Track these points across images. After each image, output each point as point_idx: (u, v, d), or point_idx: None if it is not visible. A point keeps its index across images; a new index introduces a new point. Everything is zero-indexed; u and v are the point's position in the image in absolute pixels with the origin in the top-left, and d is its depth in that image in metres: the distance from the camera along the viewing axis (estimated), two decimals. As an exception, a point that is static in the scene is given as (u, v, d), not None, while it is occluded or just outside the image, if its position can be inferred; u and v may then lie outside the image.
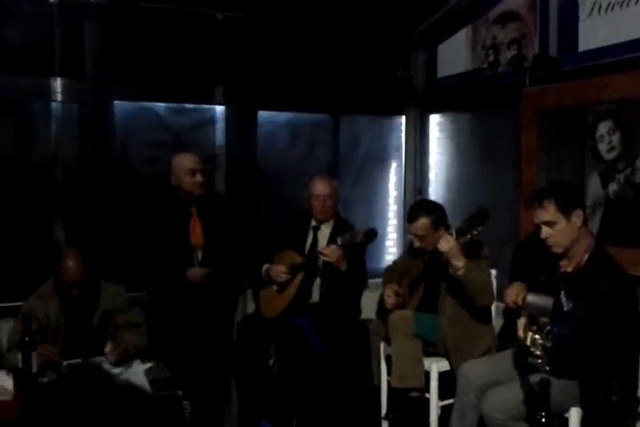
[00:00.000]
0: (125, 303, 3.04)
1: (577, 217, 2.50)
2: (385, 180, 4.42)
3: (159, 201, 3.42)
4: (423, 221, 3.04)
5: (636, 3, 2.88)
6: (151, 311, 3.19)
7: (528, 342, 2.27)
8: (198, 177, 3.29)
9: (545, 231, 2.52)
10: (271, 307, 3.42)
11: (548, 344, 2.21)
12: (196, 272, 3.27)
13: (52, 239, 3.54)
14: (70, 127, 3.56)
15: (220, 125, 3.86)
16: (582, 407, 2.46)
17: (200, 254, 3.35)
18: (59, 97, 3.52)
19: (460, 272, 2.82)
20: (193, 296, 3.26)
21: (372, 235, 3.26)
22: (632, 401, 2.57)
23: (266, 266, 3.45)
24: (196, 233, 3.33)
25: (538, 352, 2.23)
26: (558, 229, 2.50)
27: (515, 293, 2.70)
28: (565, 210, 2.49)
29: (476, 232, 2.74)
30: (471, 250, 2.96)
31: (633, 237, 2.87)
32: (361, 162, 4.32)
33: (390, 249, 4.41)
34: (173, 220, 3.32)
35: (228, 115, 3.84)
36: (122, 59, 3.59)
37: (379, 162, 4.39)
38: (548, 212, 2.50)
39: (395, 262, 3.53)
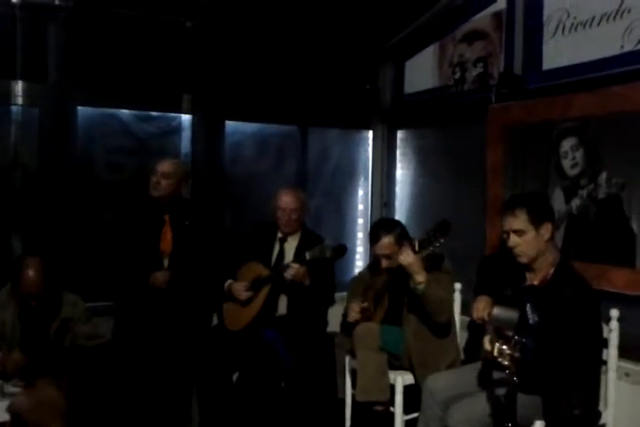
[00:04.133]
0: (84, 313, 2.95)
1: (546, 230, 2.53)
2: (352, 193, 4.44)
3: (134, 206, 3.41)
4: (386, 240, 3.04)
5: (599, 24, 2.97)
6: (117, 320, 3.11)
7: (495, 353, 2.26)
8: (153, 178, 3.30)
9: (513, 240, 2.54)
10: (236, 320, 3.36)
11: (516, 354, 2.21)
12: (159, 276, 3.25)
13: (9, 246, 3.43)
14: (31, 132, 3.48)
15: (187, 134, 3.82)
16: (545, 421, 2.46)
17: (167, 262, 3.33)
18: (19, 100, 3.43)
19: (420, 287, 2.83)
20: (159, 305, 3.22)
21: (342, 250, 3.24)
22: (593, 415, 2.60)
23: (228, 282, 3.40)
24: (167, 240, 3.33)
25: (505, 362, 2.22)
26: (526, 239, 2.52)
27: (481, 307, 2.71)
28: (536, 221, 2.52)
29: (438, 244, 2.74)
30: (432, 263, 2.97)
31: (595, 252, 2.93)
32: (329, 175, 4.32)
33: (357, 262, 4.41)
34: (146, 225, 3.33)
35: (194, 124, 3.81)
36: (86, 63, 3.53)
37: (346, 175, 4.40)
38: (519, 220, 2.52)
39: (360, 274, 3.52)
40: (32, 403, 1.07)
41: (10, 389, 2.52)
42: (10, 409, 1.10)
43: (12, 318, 2.79)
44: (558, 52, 3.14)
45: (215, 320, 3.55)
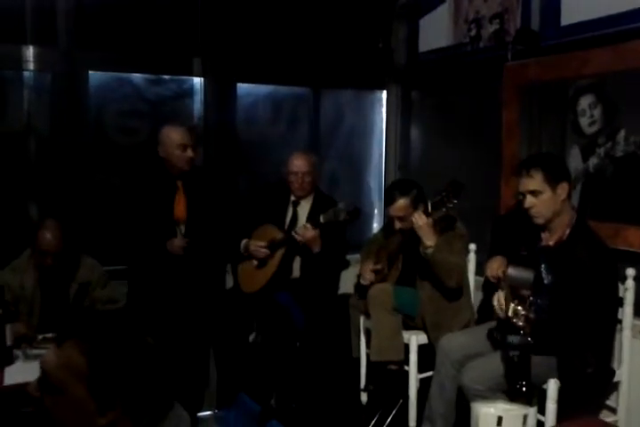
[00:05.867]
0: (102, 277, 2.99)
1: (562, 190, 2.51)
2: (367, 155, 4.39)
3: (145, 173, 3.35)
4: (402, 202, 3.02)
5: (619, -23, 2.86)
6: (132, 285, 3.13)
7: (510, 313, 2.27)
8: (189, 152, 3.20)
9: (529, 201, 2.53)
10: (251, 282, 3.40)
11: (531, 315, 2.22)
12: (176, 242, 3.21)
13: (26, 211, 3.46)
14: (43, 97, 3.47)
15: (199, 97, 3.79)
16: (559, 379, 2.48)
17: (183, 228, 3.28)
18: (31, 66, 3.42)
19: (429, 251, 2.82)
20: (174, 271, 3.21)
21: (356, 214, 3.21)
22: (607, 373, 2.61)
23: (245, 241, 3.42)
24: (180, 207, 3.27)
25: (520, 323, 2.22)
26: (543, 199, 2.50)
27: (495, 266, 2.72)
28: (552, 181, 2.49)
29: (450, 205, 2.71)
30: (445, 225, 2.96)
31: (612, 211, 2.89)
32: (343, 136, 4.28)
33: (374, 225, 4.40)
34: (159, 192, 3.26)
35: (206, 87, 3.77)
36: (97, 28, 3.48)
37: (361, 137, 4.35)
38: (535, 181, 2.50)
39: (374, 236, 3.52)
40: (57, 363, 1.11)
41: (33, 351, 2.60)
42: (40, 365, 1.15)
43: (32, 281, 2.83)
44: (577, 7, 3.03)
45: (230, 283, 3.58)
